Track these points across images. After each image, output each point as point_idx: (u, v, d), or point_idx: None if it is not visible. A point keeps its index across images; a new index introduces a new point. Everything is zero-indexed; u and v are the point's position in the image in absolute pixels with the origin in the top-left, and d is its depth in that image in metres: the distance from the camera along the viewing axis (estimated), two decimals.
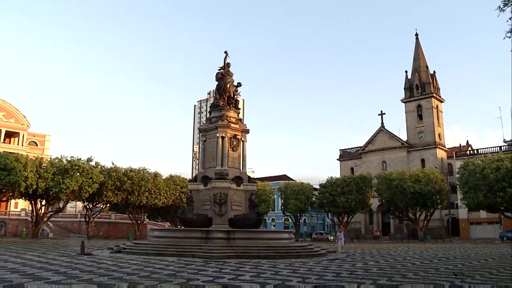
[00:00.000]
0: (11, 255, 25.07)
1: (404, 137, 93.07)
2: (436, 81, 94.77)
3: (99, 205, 68.73)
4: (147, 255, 25.22)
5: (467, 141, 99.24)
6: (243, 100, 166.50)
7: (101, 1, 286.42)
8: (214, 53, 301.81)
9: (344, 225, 73.33)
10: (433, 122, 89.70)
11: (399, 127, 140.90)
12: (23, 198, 59.09)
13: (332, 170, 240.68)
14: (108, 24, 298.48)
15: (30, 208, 60.17)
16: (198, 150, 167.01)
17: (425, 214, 69.00)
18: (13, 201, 70.89)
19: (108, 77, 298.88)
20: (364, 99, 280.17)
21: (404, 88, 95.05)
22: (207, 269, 17.90)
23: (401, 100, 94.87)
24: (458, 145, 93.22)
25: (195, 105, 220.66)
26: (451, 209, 76.92)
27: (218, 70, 34.56)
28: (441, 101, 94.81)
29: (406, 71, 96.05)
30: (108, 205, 71.02)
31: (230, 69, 34.56)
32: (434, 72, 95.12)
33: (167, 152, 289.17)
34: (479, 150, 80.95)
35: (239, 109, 35.40)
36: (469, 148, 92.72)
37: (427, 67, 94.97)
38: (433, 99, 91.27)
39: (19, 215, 68.94)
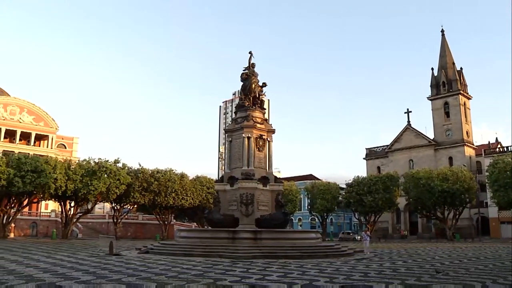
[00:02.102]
0: (43, 255, 25.59)
1: (431, 135, 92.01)
2: (463, 77, 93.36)
3: (126, 206, 69.54)
4: (174, 255, 25.38)
5: (496, 138, 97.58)
6: (268, 100, 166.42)
7: (125, 4, 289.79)
8: (239, 53, 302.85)
9: (371, 224, 72.71)
10: (460, 120, 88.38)
11: (425, 125, 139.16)
12: (53, 199, 60.21)
13: (358, 169, 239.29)
14: (134, 26, 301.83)
15: (60, 210, 61.22)
16: (224, 151, 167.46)
17: (453, 213, 68.01)
18: (43, 202, 72.29)
19: (135, 79, 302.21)
20: (390, 98, 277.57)
21: (431, 86, 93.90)
22: (234, 269, 17.94)
23: (428, 97, 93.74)
24: (487, 143, 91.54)
25: (220, 106, 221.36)
26: (481, 208, 75.61)
27: (243, 70, 34.53)
28: (469, 98, 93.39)
29: (432, 68, 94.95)
30: (135, 206, 71.80)
31: (255, 69, 34.56)
32: (461, 68, 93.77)
33: (193, 153, 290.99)
34: (509, 148, 79.44)
35: (265, 109, 35.32)
36: (499, 146, 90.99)
37: (453, 63, 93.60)
38: (460, 96, 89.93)
39: (50, 216, 70.24)
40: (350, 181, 74.54)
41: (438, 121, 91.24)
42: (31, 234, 65.28)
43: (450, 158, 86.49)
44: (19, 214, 58.91)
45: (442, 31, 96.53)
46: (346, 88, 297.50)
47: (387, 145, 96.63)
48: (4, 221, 54.00)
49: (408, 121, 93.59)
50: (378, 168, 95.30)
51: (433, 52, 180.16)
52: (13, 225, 58.38)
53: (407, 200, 74.18)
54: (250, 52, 34.86)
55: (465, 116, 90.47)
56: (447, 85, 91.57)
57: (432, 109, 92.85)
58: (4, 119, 78.96)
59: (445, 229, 69.60)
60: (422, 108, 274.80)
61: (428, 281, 14.92)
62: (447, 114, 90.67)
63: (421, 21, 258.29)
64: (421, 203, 68.44)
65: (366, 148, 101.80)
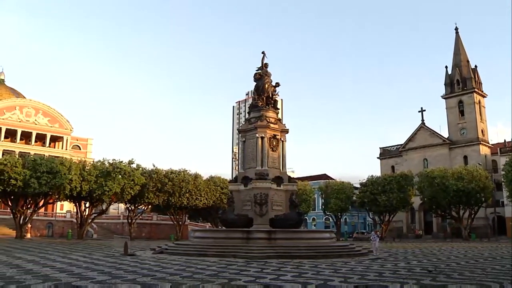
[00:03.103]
0: (59, 255, 25.87)
1: (445, 134, 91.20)
2: (478, 75, 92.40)
3: (141, 206, 69.75)
4: (189, 255, 25.49)
5: None
6: (282, 100, 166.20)
7: (137, 4, 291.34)
8: (251, 53, 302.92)
9: (385, 224, 72.46)
10: (475, 118, 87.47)
11: (440, 124, 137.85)
12: (68, 200, 60.59)
13: (372, 168, 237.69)
14: (147, 27, 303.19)
15: (75, 210, 61.66)
16: (237, 151, 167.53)
17: (469, 213, 67.35)
18: (59, 203, 73.05)
19: (147, 80, 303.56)
20: (404, 97, 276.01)
21: (445, 84, 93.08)
22: (248, 269, 17.97)
23: (442, 96, 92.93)
24: (503, 141, 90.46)
25: (233, 106, 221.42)
26: (497, 207, 74.73)
27: (256, 70, 34.56)
28: (484, 96, 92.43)
29: (446, 67, 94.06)
30: (149, 206, 71.98)
31: (268, 69, 34.58)
32: (476, 66, 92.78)
33: (207, 153, 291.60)
34: None
35: (278, 109, 35.35)
36: None
37: (468, 61, 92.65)
38: (475, 94, 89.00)
39: (65, 216, 70.79)
40: (364, 181, 74.17)
41: (453, 120, 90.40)
42: (47, 234, 65.87)
43: (465, 157, 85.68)
44: (35, 215, 59.44)
45: (456, 28, 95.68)
46: (359, 87, 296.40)
47: (401, 144, 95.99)
48: (21, 222, 54.58)
49: (422, 120, 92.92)
50: (392, 167, 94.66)
51: (447, 50, 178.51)
52: (29, 225, 58.88)
53: (422, 200, 73.60)
54: (263, 52, 34.91)
55: (480, 115, 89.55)
56: (462, 83, 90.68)
57: (446, 108, 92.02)
58: (20, 121, 79.98)
59: (461, 229, 68.94)
60: (436, 107, 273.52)
61: (444, 281, 14.83)
62: (462, 112, 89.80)
63: (435, 19, 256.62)
64: (436, 202, 67.87)
65: (380, 148, 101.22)
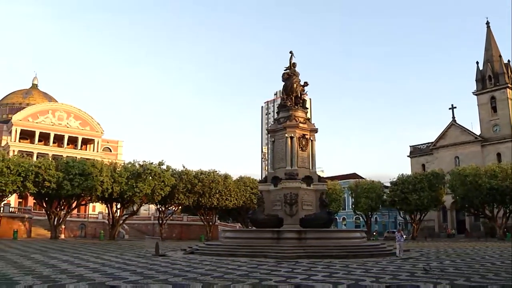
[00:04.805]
0: (92, 256, 26.29)
1: (477, 131, 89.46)
2: (511, 70, 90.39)
3: (171, 207, 70.39)
4: (219, 255, 25.61)
5: None
6: (310, 99, 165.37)
7: (166, 7, 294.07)
8: (279, 53, 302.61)
9: (416, 223, 71.66)
10: (509, 114, 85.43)
11: (471, 121, 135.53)
12: (100, 201, 61.57)
13: (402, 167, 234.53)
14: (176, 30, 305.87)
15: (107, 211, 62.59)
16: (267, 151, 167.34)
17: (503, 211, 65.98)
18: (91, 204, 74.31)
19: (176, 81, 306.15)
20: (434, 94, 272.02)
21: (476, 80, 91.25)
22: (279, 269, 17.96)
23: (473, 92, 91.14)
24: None
25: (262, 106, 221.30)
26: None
27: (284, 70, 34.54)
28: None
29: (477, 62, 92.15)
30: (180, 207, 72.57)
31: (296, 68, 34.51)
32: (509, 61, 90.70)
33: (236, 153, 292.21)
34: None
35: (307, 108, 35.27)
36: None
37: (500, 56, 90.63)
38: (508, 89, 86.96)
39: (97, 218, 71.94)
40: (394, 179, 73.40)
41: (485, 116, 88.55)
42: (80, 235, 67.03)
43: (499, 154, 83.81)
44: (69, 216, 60.58)
45: (487, 23, 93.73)
46: (389, 85, 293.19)
47: (431, 142, 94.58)
48: (55, 223, 55.72)
49: (453, 117, 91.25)
50: (423, 165, 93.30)
51: (478, 45, 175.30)
52: (63, 226, 60.08)
53: (454, 198, 72.45)
54: (291, 52, 34.87)
55: None
56: (494, 79, 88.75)
57: (478, 104, 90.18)
58: (52, 125, 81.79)
59: (495, 228, 67.61)
60: (468, 104, 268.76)
61: (478, 281, 14.54)
62: (494, 109, 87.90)
63: (465, 14, 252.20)
64: (468, 201, 66.65)
65: (410, 146, 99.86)
